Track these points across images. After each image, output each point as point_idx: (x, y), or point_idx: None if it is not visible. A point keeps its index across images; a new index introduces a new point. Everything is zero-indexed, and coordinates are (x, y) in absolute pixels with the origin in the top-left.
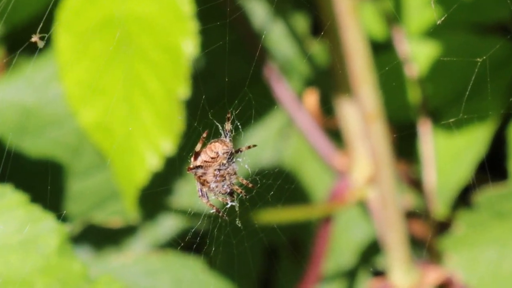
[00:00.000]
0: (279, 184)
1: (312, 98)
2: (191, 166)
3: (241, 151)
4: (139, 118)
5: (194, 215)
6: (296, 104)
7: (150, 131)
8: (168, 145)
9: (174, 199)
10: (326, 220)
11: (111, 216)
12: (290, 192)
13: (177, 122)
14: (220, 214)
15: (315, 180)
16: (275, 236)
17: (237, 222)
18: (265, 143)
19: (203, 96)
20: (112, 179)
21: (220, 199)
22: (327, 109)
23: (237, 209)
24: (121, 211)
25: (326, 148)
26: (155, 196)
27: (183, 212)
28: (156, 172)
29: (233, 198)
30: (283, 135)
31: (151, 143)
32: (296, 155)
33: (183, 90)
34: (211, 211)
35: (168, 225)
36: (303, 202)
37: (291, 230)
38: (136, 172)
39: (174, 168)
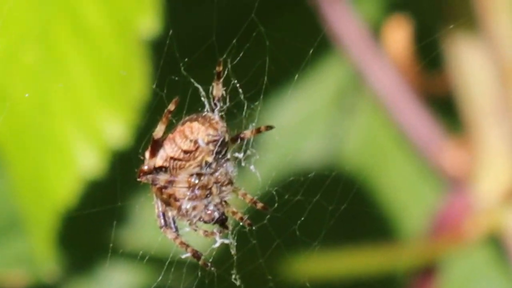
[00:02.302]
0: (318, 203)
1: (399, 34)
2: (145, 167)
3: (241, 139)
4: (66, 76)
5: (153, 262)
6: (370, 47)
7: (85, 100)
8: (117, 129)
9: (124, 235)
10: (426, 272)
11: (8, 267)
12: (345, 217)
13: (135, 82)
14: (201, 263)
15: (403, 194)
16: None
17: (233, 277)
18: (303, 124)
19: (170, 32)
20: (10, 195)
21: (200, 232)
22: (427, 56)
23: (233, 251)
24: (27, 257)
25: (426, 132)
26: (90, 230)
27: (138, 259)
28: (94, 181)
29: (225, 230)
30: (342, 107)
31: (87, 125)
32: (367, 145)
33: (148, 22)
34: (183, 256)
35: (114, 283)
36: (375, 238)
37: None
38: (57, 182)
39: (126, 173)
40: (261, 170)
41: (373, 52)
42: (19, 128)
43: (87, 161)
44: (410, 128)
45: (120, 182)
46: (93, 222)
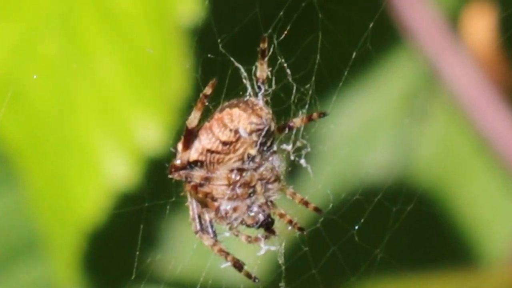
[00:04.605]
0: (385, 209)
1: (481, 24)
2: (177, 162)
3: (290, 129)
4: (92, 69)
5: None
6: (446, 39)
7: (114, 98)
8: (153, 131)
9: (162, 259)
10: None
11: None
12: (418, 238)
13: (173, 77)
14: (243, 274)
15: (485, 211)
16: None
17: None
18: (365, 131)
19: (206, 2)
20: (26, 211)
21: (243, 238)
22: None
23: (281, 260)
24: (45, 285)
25: None
26: (118, 252)
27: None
28: (126, 193)
29: (271, 236)
30: (413, 110)
31: (117, 126)
32: (442, 155)
33: (189, 7)
34: (222, 266)
35: None
36: (452, 263)
37: None
38: (82, 194)
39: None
40: (313, 165)
41: (450, 45)
42: (37, 130)
43: (117, 170)
44: (494, 135)
45: (148, 181)
46: (121, 243)
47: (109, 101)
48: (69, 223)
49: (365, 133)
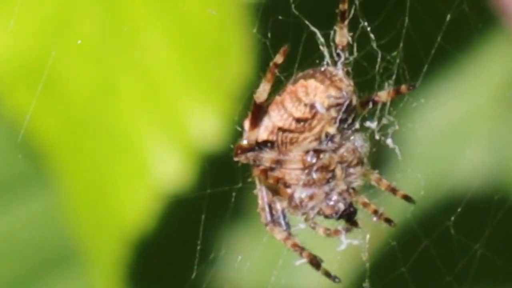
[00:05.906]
0: (486, 197)
1: None
2: (244, 142)
3: (374, 103)
4: (138, 50)
5: None
6: None
7: (165, 84)
8: (208, 122)
9: (227, 255)
10: None
11: None
12: None
13: (232, 57)
14: (320, 272)
15: None
16: None
17: None
18: (459, 127)
19: None
20: (61, 216)
21: (320, 231)
22: None
23: (365, 256)
24: None
25: None
26: (170, 261)
27: None
28: (178, 195)
29: (354, 228)
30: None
31: (167, 117)
32: None
33: None
34: (297, 263)
35: None
36: None
37: None
38: (127, 197)
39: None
40: (402, 145)
41: None
42: (73, 122)
43: (168, 168)
44: None
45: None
46: (179, 237)
47: (158, 88)
48: (112, 230)
49: (459, 129)
